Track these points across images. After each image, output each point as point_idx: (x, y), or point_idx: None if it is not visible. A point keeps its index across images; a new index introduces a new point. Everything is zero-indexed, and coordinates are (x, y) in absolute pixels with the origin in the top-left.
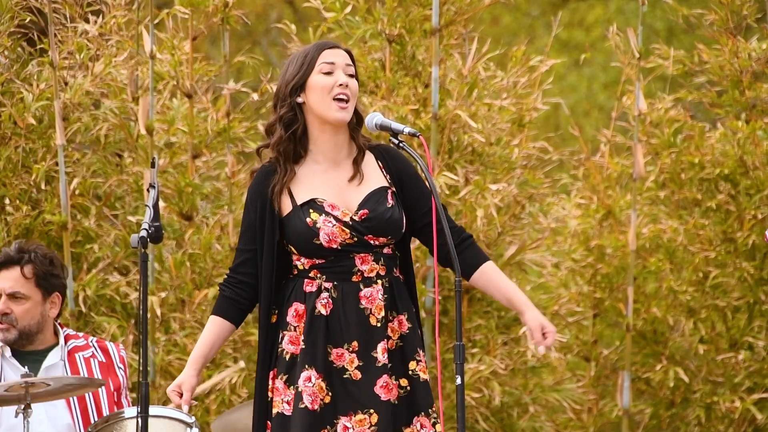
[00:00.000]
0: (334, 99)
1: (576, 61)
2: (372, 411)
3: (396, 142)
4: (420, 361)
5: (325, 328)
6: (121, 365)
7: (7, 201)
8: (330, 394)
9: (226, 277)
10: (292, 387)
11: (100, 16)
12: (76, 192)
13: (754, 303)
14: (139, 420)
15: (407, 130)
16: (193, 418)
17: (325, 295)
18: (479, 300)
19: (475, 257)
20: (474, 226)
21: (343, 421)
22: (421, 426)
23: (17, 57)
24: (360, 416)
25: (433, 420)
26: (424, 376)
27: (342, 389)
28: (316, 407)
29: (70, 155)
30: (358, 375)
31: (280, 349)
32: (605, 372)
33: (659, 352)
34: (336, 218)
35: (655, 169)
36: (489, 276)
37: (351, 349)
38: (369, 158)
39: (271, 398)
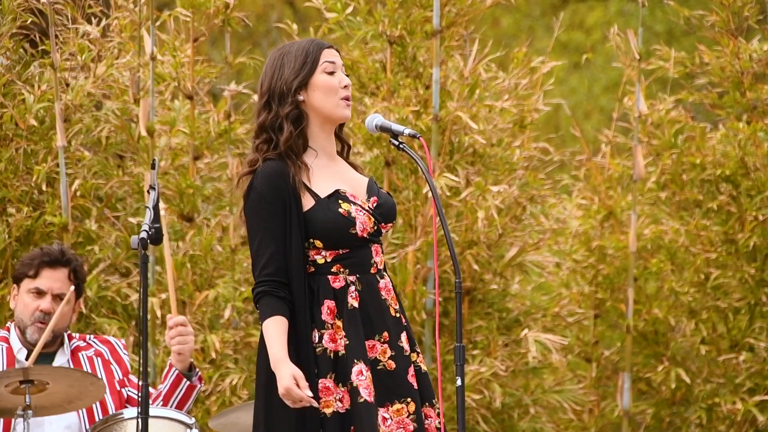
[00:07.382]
0: (340, 99)
1: (576, 63)
2: (409, 400)
3: (396, 143)
4: (419, 353)
5: (360, 321)
6: (125, 351)
7: (8, 202)
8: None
9: (269, 281)
10: (341, 384)
11: (103, 18)
12: (77, 193)
13: (755, 304)
14: (140, 421)
15: (407, 131)
16: (194, 419)
17: (352, 288)
18: (480, 301)
19: None
20: (475, 228)
21: (381, 412)
22: (426, 416)
23: (19, 58)
24: (397, 406)
25: (437, 411)
26: (424, 367)
27: (378, 381)
28: (372, 399)
29: (72, 156)
30: (393, 365)
31: (320, 349)
32: (606, 373)
33: (660, 352)
34: (362, 207)
35: (656, 170)
36: None
37: (382, 339)
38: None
39: (319, 399)
